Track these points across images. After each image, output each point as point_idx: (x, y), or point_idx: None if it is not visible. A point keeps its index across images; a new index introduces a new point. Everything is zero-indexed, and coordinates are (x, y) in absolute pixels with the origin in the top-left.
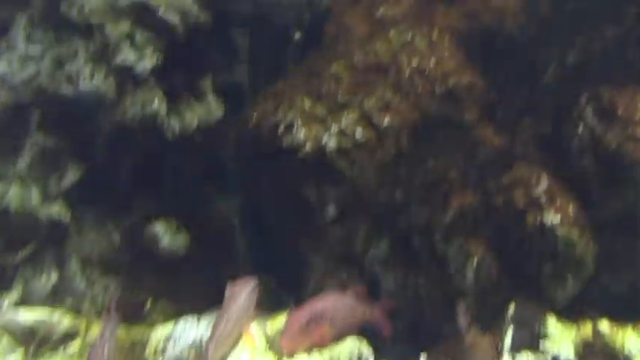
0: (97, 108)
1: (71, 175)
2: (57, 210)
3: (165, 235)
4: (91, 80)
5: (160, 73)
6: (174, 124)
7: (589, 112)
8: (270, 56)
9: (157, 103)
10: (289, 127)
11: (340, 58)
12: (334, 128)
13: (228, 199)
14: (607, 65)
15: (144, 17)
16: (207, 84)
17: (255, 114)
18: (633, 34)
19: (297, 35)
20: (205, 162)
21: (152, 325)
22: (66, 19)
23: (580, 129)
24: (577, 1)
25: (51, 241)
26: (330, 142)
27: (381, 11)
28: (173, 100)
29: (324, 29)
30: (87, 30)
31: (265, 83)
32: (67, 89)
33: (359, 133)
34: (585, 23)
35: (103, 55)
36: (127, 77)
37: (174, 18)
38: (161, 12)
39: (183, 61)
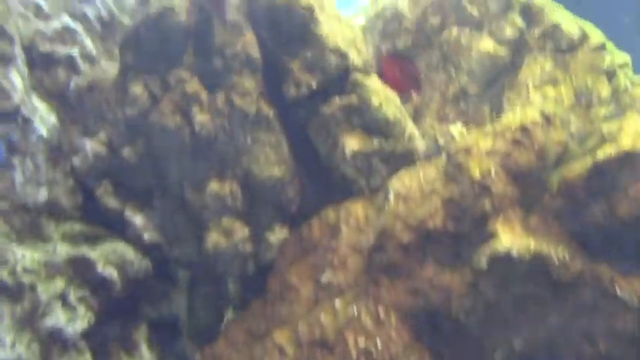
0: None
1: None
2: None
3: None
4: (12, 349)
5: (91, 330)
6: None
7: None
8: (211, 296)
9: None
10: None
11: (284, 324)
12: None
13: None
14: (553, 353)
15: (80, 273)
16: (141, 334)
17: None
18: (575, 323)
19: (239, 285)
20: None
21: None
22: None
23: None
24: (521, 286)
25: None
26: None
27: (326, 276)
28: (103, 358)
29: (268, 283)
30: (17, 290)
31: (204, 319)
32: None
33: None
34: (530, 308)
35: (30, 319)
36: (54, 341)
37: (112, 272)
38: (99, 267)
39: (118, 312)
